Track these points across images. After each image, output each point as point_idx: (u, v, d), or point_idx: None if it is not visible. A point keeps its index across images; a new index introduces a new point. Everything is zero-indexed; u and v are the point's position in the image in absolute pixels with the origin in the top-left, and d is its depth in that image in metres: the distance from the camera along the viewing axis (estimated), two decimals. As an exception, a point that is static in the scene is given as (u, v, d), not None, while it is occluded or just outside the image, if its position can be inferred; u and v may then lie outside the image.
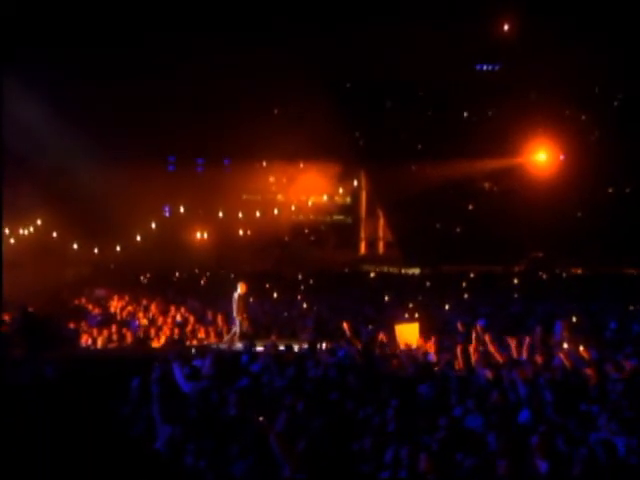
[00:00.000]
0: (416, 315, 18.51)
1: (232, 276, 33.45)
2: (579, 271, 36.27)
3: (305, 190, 50.24)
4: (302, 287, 27.70)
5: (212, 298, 24.40)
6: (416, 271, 38.24)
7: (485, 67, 42.99)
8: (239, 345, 16.90)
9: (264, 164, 48.61)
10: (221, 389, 11.98)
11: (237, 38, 34.82)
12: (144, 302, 22.86)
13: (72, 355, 16.44)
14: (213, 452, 9.40)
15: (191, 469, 9.07)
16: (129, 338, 18.58)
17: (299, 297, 24.29)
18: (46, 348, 15.14)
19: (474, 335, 14.66)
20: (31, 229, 37.56)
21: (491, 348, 13.71)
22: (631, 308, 20.46)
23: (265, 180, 48.73)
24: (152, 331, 19.01)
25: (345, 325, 16.53)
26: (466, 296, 24.45)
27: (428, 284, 29.74)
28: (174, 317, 20.64)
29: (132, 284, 27.43)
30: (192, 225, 43.57)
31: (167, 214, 45.72)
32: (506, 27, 39.43)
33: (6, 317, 17.96)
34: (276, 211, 50.09)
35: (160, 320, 20.08)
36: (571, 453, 8.24)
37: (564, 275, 34.78)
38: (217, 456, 9.25)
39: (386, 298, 23.92)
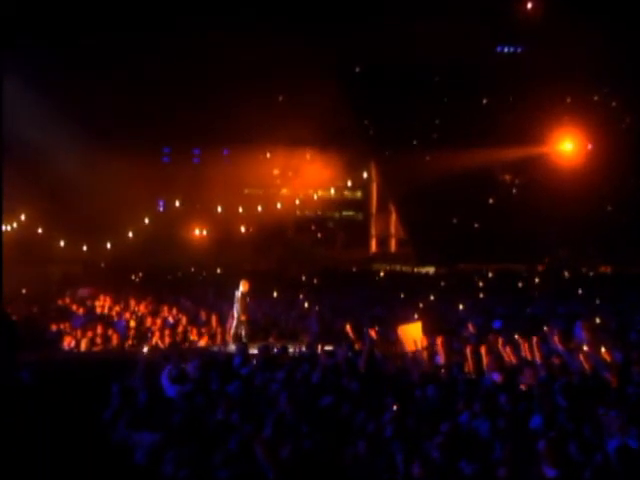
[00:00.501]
0: (420, 315, 18.25)
1: (231, 275, 33.76)
2: (607, 270, 36.07)
3: (311, 183, 50.23)
4: (304, 287, 27.63)
5: (208, 298, 24.44)
6: (430, 270, 38.17)
7: (506, 49, 42.81)
8: (232, 347, 16.90)
9: (267, 155, 48.65)
10: (208, 393, 12.07)
11: (237, 19, 34.85)
12: (133, 302, 22.88)
13: (52, 358, 16.48)
14: (194, 460, 9.39)
15: (170, 479, 9.03)
16: (115, 340, 18.57)
17: (300, 297, 24.22)
18: (21, 350, 15.14)
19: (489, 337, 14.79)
20: (14, 225, 37.65)
21: (503, 350, 13.70)
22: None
23: (268, 172, 48.72)
24: (140, 333, 19.00)
25: (348, 326, 16.58)
26: (482, 296, 24.27)
27: (442, 284, 29.57)
28: (165, 318, 20.64)
29: (122, 283, 27.46)
30: (188, 221, 43.59)
31: (161, 209, 45.83)
32: (529, 5, 39.28)
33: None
34: (280, 206, 50.13)
35: (149, 321, 20.08)
36: (584, 460, 8.23)
37: (591, 274, 34.60)
38: (199, 465, 9.23)
39: (394, 298, 23.71)
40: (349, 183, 51.57)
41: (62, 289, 26.23)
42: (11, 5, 21.00)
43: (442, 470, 7.87)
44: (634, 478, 7.64)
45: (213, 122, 38.79)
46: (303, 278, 32.84)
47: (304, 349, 15.11)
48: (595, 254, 37.03)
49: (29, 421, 11.49)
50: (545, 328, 15.26)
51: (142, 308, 22.14)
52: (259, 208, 49.68)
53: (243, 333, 18.68)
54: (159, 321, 20.27)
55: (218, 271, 35.68)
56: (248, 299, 19.21)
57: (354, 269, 38.54)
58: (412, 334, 15.33)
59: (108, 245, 38.74)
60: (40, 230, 38.17)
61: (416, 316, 19.07)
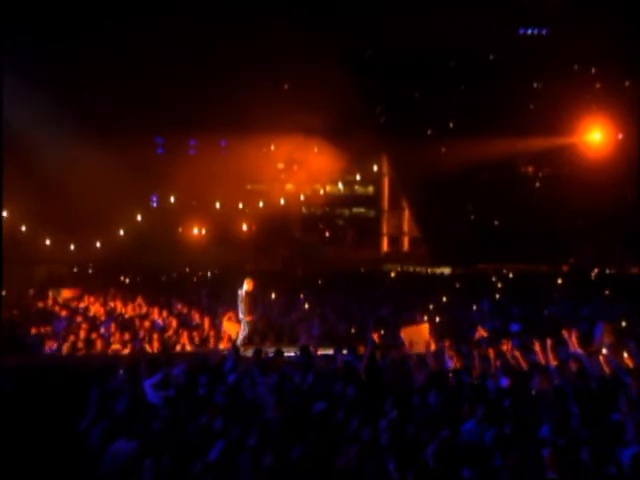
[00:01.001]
0: (430, 317, 18.31)
1: (230, 276, 33.82)
2: (637, 271, 35.92)
3: (318, 178, 50.20)
4: (308, 288, 27.63)
5: (201, 300, 24.49)
6: (446, 271, 38.10)
7: (530, 31, 42.67)
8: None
9: (271, 148, 48.65)
10: (193, 399, 12.14)
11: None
12: (120, 304, 22.93)
13: (31, 363, 16.55)
14: (173, 469, 9.45)
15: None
16: (99, 345, 18.61)
17: (301, 299, 24.28)
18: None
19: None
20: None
21: (513, 355, 13.73)
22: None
23: (272, 166, 48.70)
24: (127, 336, 19.04)
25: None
26: (498, 297, 24.28)
27: (458, 285, 29.56)
28: (154, 321, 20.67)
29: (111, 284, 27.54)
30: (184, 218, 43.60)
31: (155, 205, 45.82)
32: (555, -18, 39.24)
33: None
34: (284, 202, 50.12)
35: (137, 324, 20.11)
36: (596, 468, 8.23)
37: (619, 275, 34.46)
38: (177, 474, 9.29)
39: (403, 299, 23.81)
40: (358, 177, 51.53)
41: (45, 291, 26.28)
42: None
43: (437, 478, 7.84)
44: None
45: (211, 110, 38.70)
46: (307, 279, 32.75)
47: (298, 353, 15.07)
48: (624, 254, 36.84)
49: (4, 428, 11.61)
50: (564, 330, 15.12)
51: (129, 310, 22.17)
52: (261, 204, 49.69)
53: (241, 336, 18.65)
54: (147, 324, 20.27)
55: (215, 271, 35.61)
56: (250, 298, 19.20)
57: (362, 270, 38.39)
58: (418, 336, 15.36)
59: (97, 244, 38.75)
60: (24, 228, 38.25)
61: (425, 318, 19.12)
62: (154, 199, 46.02)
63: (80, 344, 18.33)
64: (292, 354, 15.38)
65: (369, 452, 8.91)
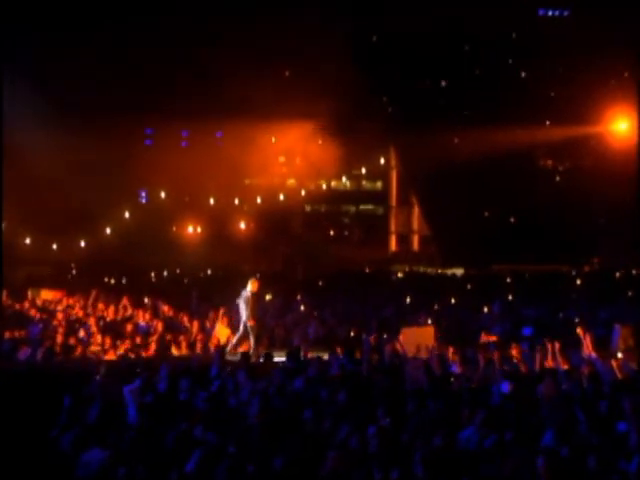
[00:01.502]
0: (436, 319, 18.39)
1: (225, 277, 33.92)
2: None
3: (322, 172, 50.28)
4: (307, 289, 27.78)
5: (192, 302, 24.58)
6: (459, 272, 38.11)
7: (550, 12, 42.68)
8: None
9: (272, 139, 48.70)
10: (173, 405, 12.23)
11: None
12: (101, 306, 23.01)
13: (3, 370, 16.60)
14: (149, 478, 9.53)
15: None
16: (79, 349, 18.67)
17: (298, 301, 24.38)
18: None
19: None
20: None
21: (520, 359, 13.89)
22: None
23: (272, 159, 48.77)
24: (107, 341, 19.09)
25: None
26: (511, 299, 24.35)
27: (469, 286, 29.63)
28: (137, 324, 20.75)
29: (95, 286, 27.59)
30: (176, 215, 43.74)
31: (144, 200, 45.96)
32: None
33: None
34: (285, 198, 50.23)
35: (118, 327, 20.20)
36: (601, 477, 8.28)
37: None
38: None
39: (409, 300, 23.86)
40: (363, 171, 51.58)
41: (22, 292, 26.34)
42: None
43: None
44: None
45: (205, 99, 38.79)
46: (308, 280, 32.81)
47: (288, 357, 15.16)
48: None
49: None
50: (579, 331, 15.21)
51: (111, 313, 22.24)
52: (260, 200, 49.80)
53: (234, 340, 18.70)
54: (130, 327, 20.34)
55: (209, 272, 35.71)
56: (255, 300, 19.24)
57: (367, 270, 38.44)
58: (420, 339, 15.43)
59: (82, 243, 38.91)
60: (2, 226, 38.38)
61: (429, 321, 19.18)
62: (143, 195, 46.15)
63: (57, 349, 18.35)
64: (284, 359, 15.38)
65: (356, 460, 8.95)
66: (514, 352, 14.95)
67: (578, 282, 30.11)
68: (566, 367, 13.45)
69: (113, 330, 20.09)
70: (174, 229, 43.91)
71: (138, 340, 19.25)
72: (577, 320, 19.30)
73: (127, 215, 42.30)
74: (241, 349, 17.79)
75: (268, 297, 24.13)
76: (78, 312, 22.64)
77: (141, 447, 10.56)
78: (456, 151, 40.70)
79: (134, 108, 37.65)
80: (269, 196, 49.91)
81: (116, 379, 13.81)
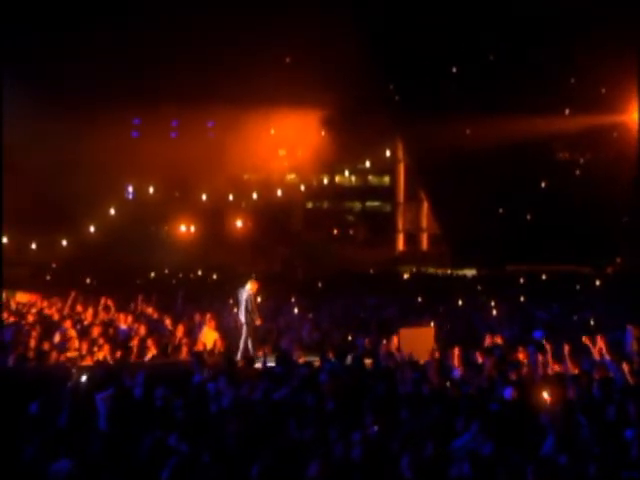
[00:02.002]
0: (439, 321, 18.47)
1: (216, 278, 34.01)
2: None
3: (326, 166, 50.31)
4: (304, 291, 27.85)
5: (177, 304, 24.59)
6: (471, 273, 38.09)
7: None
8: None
9: (272, 131, 48.73)
10: (149, 412, 12.24)
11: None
12: (79, 309, 23.00)
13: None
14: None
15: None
16: (53, 355, 18.65)
17: (292, 303, 24.44)
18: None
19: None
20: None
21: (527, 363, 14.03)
22: None
23: (271, 152, 48.79)
24: (84, 345, 19.08)
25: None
26: (522, 300, 24.37)
27: (479, 287, 29.69)
28: (117, 328, 20.74)
29: (75, 287, 27.60)
30: (165, 211, 43.76)
31: (130, 196, 46.00)
32: None
33: None
34: (285, 194, 50.26)
35: (96, 331, 20.17)
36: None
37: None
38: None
39: (412, 302, 24.25)
40: (368, 164, 51.57)
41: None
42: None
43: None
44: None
45: (196, 85, 38.76)
46: (306, 281, 32.87)
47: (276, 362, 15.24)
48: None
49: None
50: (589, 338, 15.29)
51: (89, 316, 22.23)
52: (258, 197, 49.82)
53: (241, 345, 18.83)
54: (111, 331, 20.33)
55: (200, 273, 35.76)
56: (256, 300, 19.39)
57: (371, 271, 38.45)
58: (419, 341, 15.46)
59: (63, 242, 38.93)
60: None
61: (432, 323, 19.19)
62: (129, 190, 46.17)
63: (30, 354, 18.33)
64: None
65: (339, 469, 8.95)
66: (521, 356, 14.99)
67: (597, 283, 29.98)
68: (576, 372, 13.60)
69: (90, 334, 20.05)
70: (163, 227, 43.88)
71: (150, 342, 19.29)
72: (592, 323, 19.27)
73: (112, 212, 42.30)
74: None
75: (259, 299, 24.08)
76: (54, 315, 22.60)
77: (110, 457, 10.56)
78: (468, 143, 40.53)
79: (119, 96, 37.62)
80: (267, 192, 49.96)
81: (90, 386, 13.84)
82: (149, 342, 19.37)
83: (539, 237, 39.56)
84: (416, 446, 9.58)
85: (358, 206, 55.57)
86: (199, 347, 19.64)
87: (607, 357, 14.57)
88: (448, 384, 12.92)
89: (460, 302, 24.33)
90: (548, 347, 14.48)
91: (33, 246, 38.27)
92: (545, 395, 11.09)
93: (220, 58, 38.83)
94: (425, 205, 48.25)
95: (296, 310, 23.34)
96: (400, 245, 49.95)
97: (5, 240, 37.97)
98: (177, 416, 11.74)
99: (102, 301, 23.52)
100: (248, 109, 41.86)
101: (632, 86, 39.39)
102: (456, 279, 35.48)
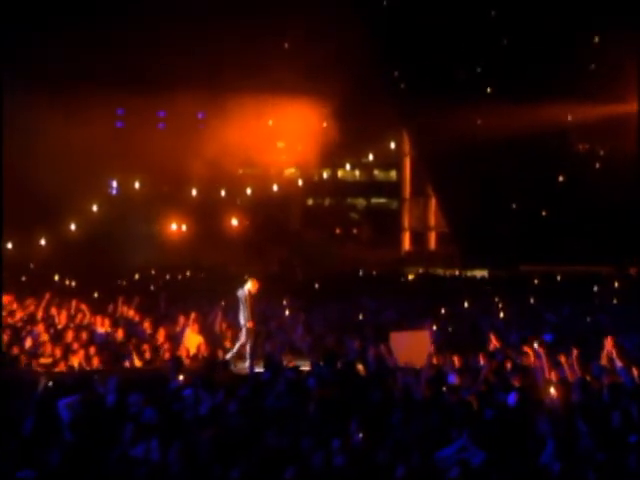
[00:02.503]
0: (440, 323, 18.55)
1: (206, 279, 34.04)
2: None
3: (328, 160, 50.25)
4: (298, 293, 27.91)
5: (160, 307, 24.63)
6: (480, 274, 38.06)
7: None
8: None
9: (270, 122, 48.71)
10: (120, 420, 12.27)
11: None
12: (53, 312, 22.98)
13: None
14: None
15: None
16: (23, 360, 18.67)
17: (284, 306, 24.51)
18: None
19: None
20: None
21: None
22: None
23: (269, 145, 48.75)
24: (57, 350, 19.07)
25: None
26: (532, 301, 24.41)
27: (489, 289, 29.73)
28: (93, 331, 20.73)
29: (52, 288, 27.66)
30: (152, 208, 43.72)
31: (114, 192, 45.97)
32: None
33: None
34: (283, 190, 50.24)
35: (70, 335, 20.17)
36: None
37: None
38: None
39: (414, 304, 24.40)
40: (371, 157, 51.55)
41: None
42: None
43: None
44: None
45: (185, 73, 38.71)
46: (302, 283, 32.98)
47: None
48: None
49: None
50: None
51: (63, 319, 22.22)
52: (254, 193, 49.80)
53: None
54: (85, 335, 20.30)
55: (188, 274, 35.81)
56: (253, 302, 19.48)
57: (374, 272, 38.48)
58: (413, 345, 15.48)
59: (42, 241, 38.92)
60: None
61: (434, 326, 19.25)
62: (113, 185, 46.16)
63: (-4, 359, 18.33)
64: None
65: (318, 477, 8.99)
66: (526, 360, 15.05)
67: (616, 285, 30.00)
68: (585, 377, 13.59)
69: (64, 338, 20.05)
70: (151, 225, 43.88)
71: (93, 350, 19.23)
72: (606, 326, 19.36)
73: (95, 208, 42.32)
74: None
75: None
76: (24, 318, 22.59)
77: (73, 468, 10.58)
78: (479, 134, 40.57)
79: (102, 83, 37.60)
80: (264, 188, 49.93)
81: (58, 393, 13.88)
82: (127, 347, 19.48)
83: (556, 235, 39.52)
84: (404, 455, 9.67)
85: (362, 203, 55.56)
86: (181, 351, 19.76)
87: (617, 361, 14.64)
88: (447, 391, 12.99)
89: (466, 304, 24.34)
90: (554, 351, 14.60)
91: (9, 245, 38.21)
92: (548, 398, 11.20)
93: (212, 43, 38.72)
94: (433, 201, 48.16)
95: (288, 312, 23.28)
96: (406, 245, 49.91)
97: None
98: (150, 424, 11.81)
99: (73, 304, 23.52)
100: (243, 99, 41.81)
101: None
102: (464, 280, 35.45)
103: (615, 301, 25.94)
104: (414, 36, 41.49)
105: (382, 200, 55.39)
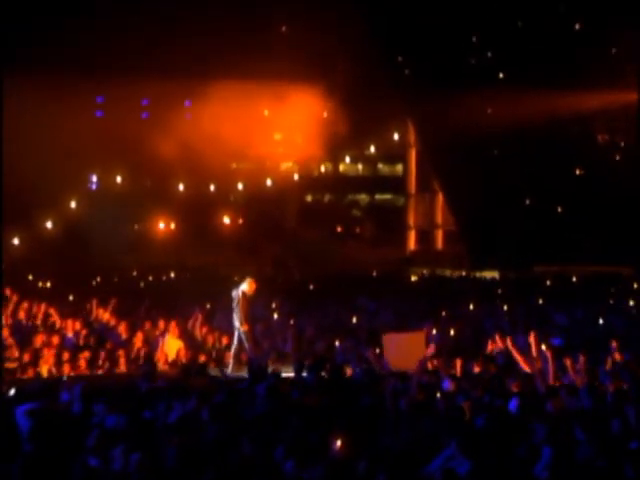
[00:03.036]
0: (440, 325, 18.71)
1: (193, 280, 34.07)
2: None
3: (328, 153, 50.22)
4: (289, 295, 28.00)
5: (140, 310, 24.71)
6: (492, 275, 38.07)
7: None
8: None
9: (266, 112, 48.69)
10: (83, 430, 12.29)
11: None
12: (22, 315, 23.00)
13: None
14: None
15: None
16: (-14, 367, 18.70)
17: (272, 309, 24.61)
18: None
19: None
20: None
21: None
22: None
23: (264, 136, 48.75)
24: (25, 356, 19.13)
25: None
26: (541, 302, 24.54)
27: (498, 291, 29.79)
28: (64, 336, 20.78)
29: (21, 291, 27.67)
30: (136, 204, 43.70)
31: (94, 186, 45.95)
32: None
33: None
34: (279, 186, 50.28)
35: (39, 340, 20.22)
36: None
37: None
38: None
39: (415, 305, 24.64)
40: (372, 149, 51.56)
41: None
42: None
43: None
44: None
45: (170, 56, 38.61)
46: (296, 285, 33.15)
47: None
48: None
49: None
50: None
51: (33, 323, 22.31)
52: (247, 189, 49.84)
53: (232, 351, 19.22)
54: (55, 339, 20.36)
55: (172, 275, 35.88)
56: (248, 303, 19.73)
57: (374, 273, 38.57)
58: (407, 348, 15.55)
59: (15, 240, 38.93)
60: None
61: (434, 330, 19.33)
62: (92, 179, 46.16)
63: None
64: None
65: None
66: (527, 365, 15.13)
67: (635, 286, 30.09)
68: (593, 383, 13.92)
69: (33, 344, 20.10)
70: (132, 222, 43.93)
71: (66, 356, 19.29)
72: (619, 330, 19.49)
73: (73, 205, 42.33)
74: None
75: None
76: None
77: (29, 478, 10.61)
78: (489, 124, 40.56)
79: (80, 68, 37.58)
80: (259, 183, 49.95)
81: (20, 401, 13.91)
82: (99, 352, 19.56)
83: (572, 233, 39.54)
84: (386, 466, 9.70)
85: (365, 199, 55.56)
86: (159, 357, 19.85)
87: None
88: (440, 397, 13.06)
89: (471, 307, 24.44)
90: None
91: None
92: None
93: (202, 24, 38.69)
94: (440, 197, 48.14)
95: (277, 315, 23.40)
96: (411, 244, 49.90)
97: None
98: (114, 432, 11.85)
99: (42, 307, 23.55)
100: (234, 86, 41.73)
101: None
102: (471, 281, 35.50)
103: (632, 303, 25.89)
104: (419, 17, 41.49)
105: (387, 196, 55.38)
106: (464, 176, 41.86)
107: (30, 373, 18.77)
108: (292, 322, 22.66)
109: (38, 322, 22.52)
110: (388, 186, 54.50)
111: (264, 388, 13.64)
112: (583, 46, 40.55)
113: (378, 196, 55.37)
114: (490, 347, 16.86)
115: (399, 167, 53.82)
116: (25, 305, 24.13)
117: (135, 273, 36.40)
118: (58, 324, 22.56)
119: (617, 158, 42.66)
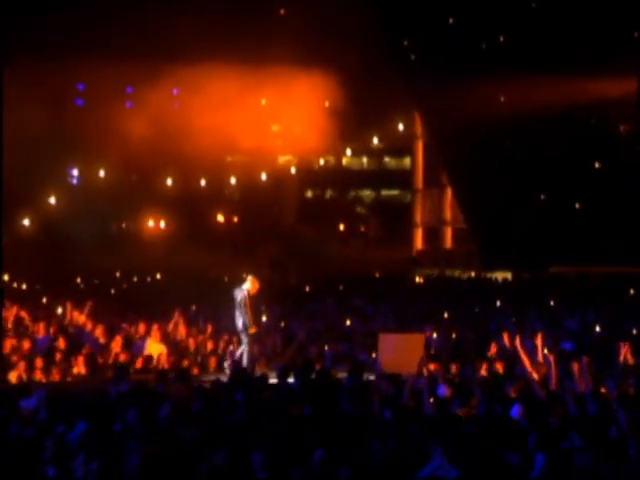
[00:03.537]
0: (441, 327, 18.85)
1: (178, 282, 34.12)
2: None
3: (330, 145, 50.23)
4: (283, 297, 28.12)
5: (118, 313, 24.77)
6: (504, 275, 38.13)
7: None
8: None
9: (262, 101, 48.70)
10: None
11: None
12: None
13: None
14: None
15: None
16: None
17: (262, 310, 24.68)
18: None
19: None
20: None
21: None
22: None
23: (261, 128, 48.74)
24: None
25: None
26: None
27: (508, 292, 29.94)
28: (35, 340, 20.84)
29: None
30: (120, 200, 43.77)
31: (75, 181, 45.95)
32: None
33: None
34: (276, 181, 50.34)
35: (8, 344, 20.31)
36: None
37: None
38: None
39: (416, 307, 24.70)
40: (375, 140, 51.57)
41: None
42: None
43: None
44: None
45: (156, 40, 38.62)
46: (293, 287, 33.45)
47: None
48: None
49: None
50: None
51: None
52: (242, 184, 49.89)
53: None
54: (27, 344, 20.43)
55: (158, 277, 35.97)
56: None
57: (377, 274, 38.62)
58: (404, 350, 15.61)
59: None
60: None
61: (434, 333, 19.42)
62: (73, 173, 46.18)
63: None
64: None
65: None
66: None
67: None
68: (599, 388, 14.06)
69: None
70: (116, 219, 43.99)
71: (39, 363, 19.36)
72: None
73: (52, 201, 42.38)
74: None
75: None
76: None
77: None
78: (501, 113, 40.68)
79: (59, 52, 37.59)
80: (255, 177, 50.00)
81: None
82: (70, 356, 19.64)
83: (591, 231, 39.50)
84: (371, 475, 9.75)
85: (370, 195, 55.60)
86: (138, 362, 19.93)
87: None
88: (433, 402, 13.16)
89: (476, 309, 24.47)
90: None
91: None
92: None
93: (190, 4, 38.76)
94: (448, 192, 48.16)
95: (266, 318, 23.47)
96: (418, 242, 49.93)
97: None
98: (76, 441, 11.90)
99: (14, 310, 23.66)
100: (228, 72, 41.70)
101: None
102: (481, 282, 35.56)
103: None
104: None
105: (394, 192, 55.41)
106: (474, 169, 41.91)
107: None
108: (283, 325, 22.76)
109: (9, 326, 22.64)
110: (395, 181, 54.52)
111: (242, 395, 13.73)
112: (603, 28, 40.56)
113: (384, 192, 55.38)
114: (493, 350, 16.84)
115: (407, 160, 53.82)
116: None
117: (118, 274, 36.53)
118: (30, 328, 22.78)
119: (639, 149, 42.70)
